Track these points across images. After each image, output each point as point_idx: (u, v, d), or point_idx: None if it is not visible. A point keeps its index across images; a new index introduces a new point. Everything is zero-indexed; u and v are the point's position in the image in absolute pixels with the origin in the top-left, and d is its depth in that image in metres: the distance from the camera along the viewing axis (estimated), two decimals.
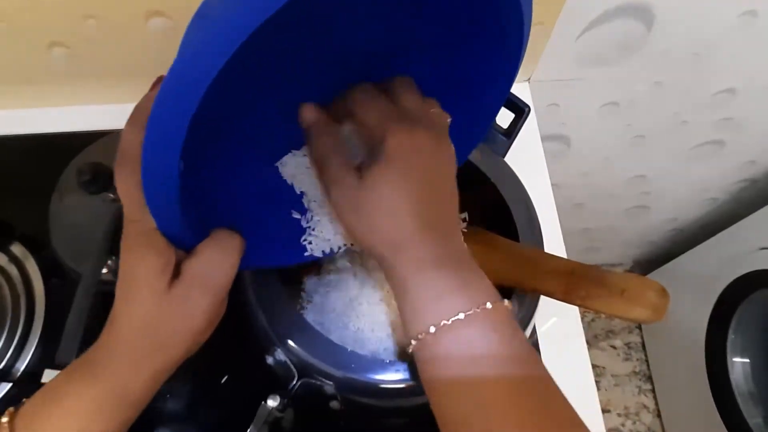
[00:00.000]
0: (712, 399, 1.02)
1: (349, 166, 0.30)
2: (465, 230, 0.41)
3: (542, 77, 0.63)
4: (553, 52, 0.59)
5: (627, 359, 1.35)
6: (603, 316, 1.40)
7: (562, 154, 0.81)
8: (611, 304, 0.29)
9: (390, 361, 0.32)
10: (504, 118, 0.43)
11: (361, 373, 0.32)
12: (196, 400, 0.49)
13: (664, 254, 1.27)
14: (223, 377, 0.49)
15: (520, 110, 0.41)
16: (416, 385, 0.33)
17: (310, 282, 0.42)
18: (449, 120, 0.33)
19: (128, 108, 0.60)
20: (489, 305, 0.27)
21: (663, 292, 0.28)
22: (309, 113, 0.33)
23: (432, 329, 0.26)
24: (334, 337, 0.35)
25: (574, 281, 0.31)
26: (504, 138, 0.42)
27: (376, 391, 0.32)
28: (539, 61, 0.60)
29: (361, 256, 0.40)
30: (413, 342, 0.27)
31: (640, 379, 1.33)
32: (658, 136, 0.80)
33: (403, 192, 0.28)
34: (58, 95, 0.59)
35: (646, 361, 1.34)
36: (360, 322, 0.38)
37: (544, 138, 0.63)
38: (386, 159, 0.28)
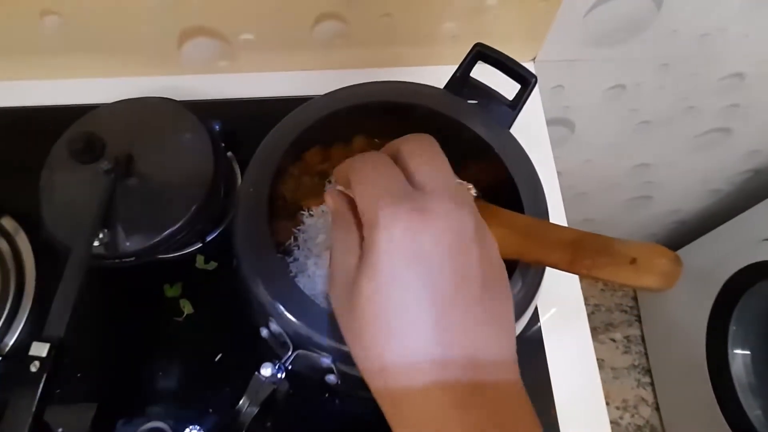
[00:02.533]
0: (711, 391, 1.01)
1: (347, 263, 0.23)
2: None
3: (548, 57, 0.62)
4: (559, 30, 0.58)
5: (626, 352, 1.34)
6: (603, 308, 1.39)
7: (565, 139, 0.80)
8: (620, 273, 0.27)
9: None
10: (509, 88, 0.42)
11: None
12: (190, 379, 0.47)
13: (667, 246, 1.26)
14: (217, 356, 0.48)
15: (526, 81, 0.40)
16: None
17: (301, 252, 0.41)
18: (472, 192, 0.28)
19: (122, 82, 0.60)
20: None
21: (676, 259, 0.27)
22: (330, 199, 0.27)
23: None
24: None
25: (579, 250, 0.30)
26: (509, 109, 0.41)
27: None
28: (546, 40, 0.59)
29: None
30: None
31: (639, 372, 1.32)
32: (664, 122, 0.78)
33: (396, 313, 0.21)
34: (49, 67, 0.58)
35: (645, 354, 1.33)
36: None
37: (548, 122, 0.61)
38: (371, 264, 0.21)
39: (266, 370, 0.31)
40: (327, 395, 0.41)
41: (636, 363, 1.33)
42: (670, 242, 1.25)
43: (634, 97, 0.72)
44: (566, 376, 0.49)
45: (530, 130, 0.58)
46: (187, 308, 0.49)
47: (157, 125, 0.51)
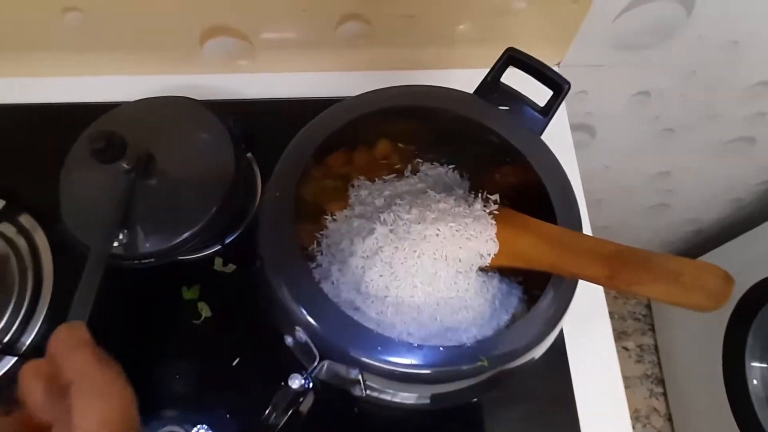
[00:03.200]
0: (727, 403, 0.99)
1: None
2: (496, 212, 0.39)
3: (574, 62, 0.61)
4: (586, 34, 0.57)
5: (639, 361, 1.32)
6: (616, 316, 1.37)
7: (585, 145, 0.79)
8: (665, 290, 0.26)
9: (418, 345, 0.30)
10: (540, 94, 0.41)
11: (388, 356, 0.29)
12: (207, 383, 0.47)
13: (683, 255, 1.24)
14: (235, 360, 0.47)
15: (559, 87, 0.39)
16: (446, 372, 0.31)
17: (324, 258, 0.40)
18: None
19: (142, 80, 0.59)
20: None
21: (727, 278, 0.26)
22: None
23: None
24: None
25: (618, 265, 0.29)
26: (540, 116, 0.40)
27: (403, 376, 0.30)
28: (573, 44, 0.58)
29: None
30: None
31: (651, 382, 1.30)
32: (687, 130, 0.77)
33: None
34: (71, 64, 0.58)
35: (659, 363, 1.31)
36: (383, 303, 0.36)
37: (570, 126, 0.60)
38: None
39: (294, 382, 0.30)
40: (352, 406, 0.40)
41: (649, 373, 1.31)
42: (687, 251, 1.23)
43: (658, 104, 0.71)
44: (587, 387, 0.48)
45: (554, 136, 0.57)
46: (204, 311, 0.49)
47: (178, 124, 0.50)
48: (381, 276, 0.37)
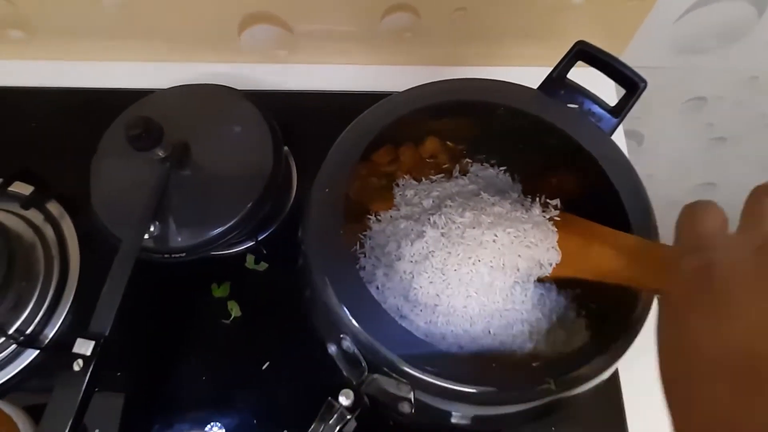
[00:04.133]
0: None
1: None
2: (557, 218, 0.36)
3: (629, 63, 0.57)
4: (645, 34, 0.54)
5: None
6: None
7: (631, 152, 0.75)
8: None
9: (482, 363, 0.27)
10: (611, 93, 0.38)
11: (446, 375, 0.27)
12: (235, 386, 0.44)
13: None
14: (265, 364, 0.45)
15: (634, 86, 0.36)
16: (503, 393, 0.28)
17: (368, 261, 0.38)
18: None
19: (178, 67, 0.57)
20: None
21: None
22: None
23: None
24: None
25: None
26: (610, 116, 0.37)
27: (463, 396, 0.27)
28: (630, 44, 0.55)
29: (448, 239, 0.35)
30: None
31: None
32: (740, 140, 0.73)
33: None
34: (107, 49, 0.56)
35: None
36: (433, 313, 0.33)
37: None
38: None
39: (345, 399, 0.27)
40: (398, 423, 0.37)
41: None
42: None
43: (712, 111, 0.67)
44: (642, 412, 0.44)
45: None
46: (234, 311, 0.46)
47: (215, 114, 0.48)
48: (431, 283, 0.34)
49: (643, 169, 0.80)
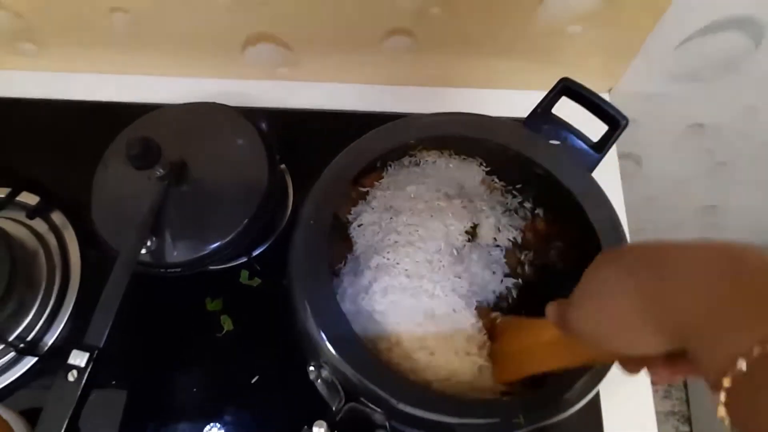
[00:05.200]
0: None
1: None
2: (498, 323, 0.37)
3: (626, 89, 0.58)
4: (644, 62, 0.54)
5: (666, 397, 1.27)
6: None
7: (631, 174, 0.75)
8: None
9: (452, 395, 0.28)
10: (595, 130, 0.39)
11: (419, 405, 0.28)
12: (224, 398, 0.46)
13: None
14: (254, 377, 0.46)
15: (616, 123, 0.36)
16: (481, 424, 0.29)
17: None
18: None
19: (183, 82, 0.59)
20: None
21: None
22: None
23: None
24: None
25: None
26: (592, 151, 0.37)
27: (435, 426, 0.28)
28: (627, 71, 0.55)
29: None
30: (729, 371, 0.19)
31: (678, 420, 1.25)
32: (740, 166, 0.73)
33: None
34: (114, 62, 0.57)
35: (687, 401, 1.26)
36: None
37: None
38: None
39: (319, 429, 0.28)
40: None
41: (676, 410, 1.26)
42: None
43: (712, 137, 0.67)
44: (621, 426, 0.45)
45: (601, 165, 0.54)
46: (227, 324, 0.48)
47: (214, 132, 0.49)
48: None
49: (643, 191, 0.81)
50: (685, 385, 1.28)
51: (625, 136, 0.66)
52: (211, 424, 0.45)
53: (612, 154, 0.57)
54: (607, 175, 0.56)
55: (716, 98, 0.60)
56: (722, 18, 0.49)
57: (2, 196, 0.50)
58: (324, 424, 0.29)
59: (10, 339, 0.45)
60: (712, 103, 0.61)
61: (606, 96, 0.59)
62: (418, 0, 0.47)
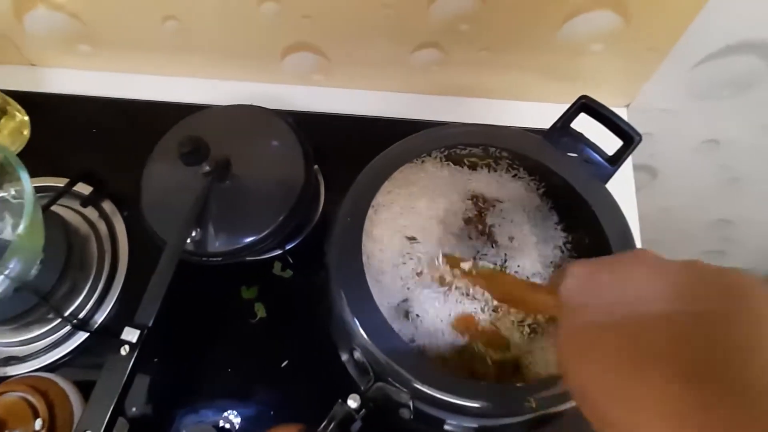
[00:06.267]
0: None
1: None
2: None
3: (644, 105, 0.60)
4: (661, 80, 0.57)
5: None
6: None
7: (645, 185, 0.78)
8: None
9: (467, 380, 0.32)
10: (610, 144, 0.42)
11: (438, 387, 0.31)
12: (255, 380, 0.49)
13: None
14: (284, 362, 0.50)
15: (630, 139, 0.39)
16: (493, 408, 0.32)
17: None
18: None
19: (226, 85, 0.63)
20: None
21: None
22: None
23: None
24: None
25: None
26: (607, 165, 0.40)
27: (452, 407, 0.31)
28: (645, 87, 0.58)
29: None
30: None
31: None
32: (755, 181, 0.75)
33: None
34: (163, 65, 0.62)
35: None
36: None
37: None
38: None
39: (353, 402, 0.32)
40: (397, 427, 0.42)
41: None
42: None
43: (727, 153, 0.69)
44: None
45: (616, 175, 0.57)
46: (260, 312, 0.51)
47: (254, 132, 0.53)
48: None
49: (658, 202, 0.83)
50: None
51: (641, 149, 0.69)
52: (243, 403, 0.49)
53: (627, 166, 0.59)
54: (622, 186, 0.59)
55: (731, 116, 0.62)
56: (737, 42, 0.51)
57: (61, 185, 0.54)
58: (358, 397, 0.32)
59: (66, 315, 0.49)
60: (727, 120, 0.63)
61: (624, 111, 0.62)
62: (448, 17, 0.51)
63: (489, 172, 0.44)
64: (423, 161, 0.44)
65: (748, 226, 0.88)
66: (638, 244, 0.55)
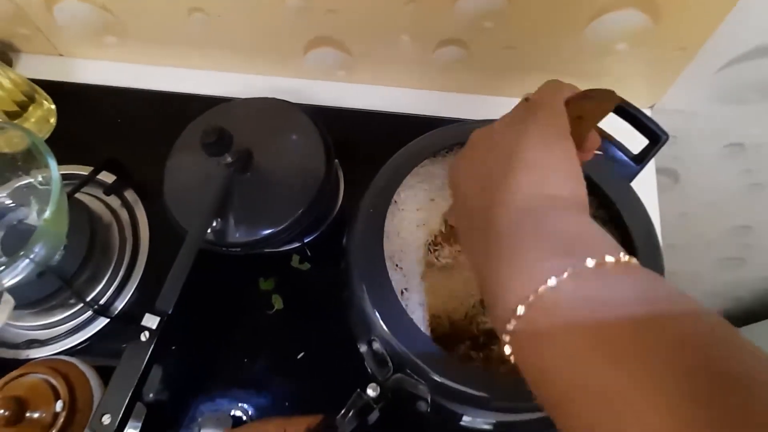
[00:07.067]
0: None
1: None
2: None
3: (669, 106, 0.60)
4: (686, 82, 0.56)
5: None
6: None
7: (667, 188, 0.77)
8: None
9: (488, 373, 0.31)
10: (636, 142, 0.41)
11: (459, 380, 0.31)
12: (271, 371, 0.50)
13: (750, 313, 1.18)
14: (300, 354, 0.50)
15: (656, 138, 0.39)
16: (510, 404, 0.32)
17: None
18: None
19: (249, 78, 0.63)
20: (610, 258, 0.22)
21: None
22: None
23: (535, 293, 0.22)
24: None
25: None
26: (632, 163, 0.40)
27: (468, 398, 0.31)
28: (671, 89, 0.57)
29: None
30: (511, 317, 0.22)
31: None
32: None
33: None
34: (187, 57, 0.63)
35: None
36: None
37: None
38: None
39: (372, 391, 0.32)
40: (415, 421, 0.41)
41: None
42: (757, 310, 1.16)
43: (751, 158, 0.68)
44: None
45: (639, 177, 0.57)
46: (277, 303, 0.52)
47: (276, 125, 0.53)
48: None
49: (677, 207, 0.82)
50: None
51: (664, 151, 0.68)
52: (258, 393, 0.49)
53: (650, 168, 0.59)
54: (644, 187, 0.58)
55: (757, 121, 0.61)
56: (762, 44, 0.51)
57: (85, 173, 0.55)
58: (377, 386, 0.32)
59: (87, 300, 0.50)
60: (752, 124, 0.62)
61: (648, 112, 0.61)
62: (473, 14, 0.50)
63: None
64: (444, 156, 0.44)
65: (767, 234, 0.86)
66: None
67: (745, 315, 1.22)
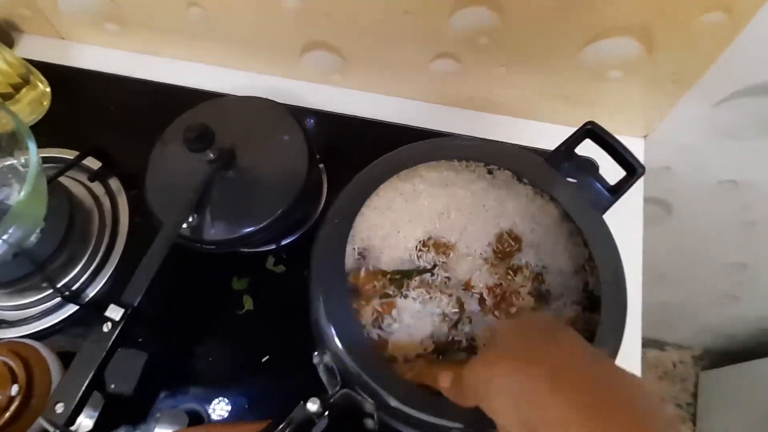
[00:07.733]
0: None
1: None
2: None
3: (662, 137, 0.59)
4: (681, 113, 0.55)
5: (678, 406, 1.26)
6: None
7: (659, 220, 0.76)
8: None
9: (438, 396, 0.31)
10: (613, 173, 0.41)
11: (408, 403, 0.30)
12: (235, 371, 0.49)
13: (742, 351, 1.16)
14: (265, 357, 0.50)
15: (633, 170, 0.38)
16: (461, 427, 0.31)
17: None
18: None
19: (243, 75, 0.63)
20: None
21: None
22: None
23: None
24: None
25: None
26: (608, 194, 0.39)
27: (416, 422, 0.31)
28: (666, 119, 0.56)
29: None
30: None
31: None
32: None
33: None
34: (184, 50, 0.63)
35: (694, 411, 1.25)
36: None
37: (646, 199, 0.58)
38: None
39: (312, 405, 0.32)
40: None
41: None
42: (749, 348, 1.14)
43: (745, 195, 0.67)
44: None
45: (625, 206, 0.56)
46: (248, 304, 0.52)
47: (263, 126, 0.53)
48: None
49: (671, 239, 0.81)
50: (695, 396, 1.26)
51: (657, 183, 0.68)
52: (219, 393, 0.49)
53: (637, 198, 0.58)
54: (630, 218, 0.58)
55: (752, 158, 0.60)
56: (762, 82, 0.50)
57: (70, 158, 0.55)
58: (317, 400, 0.32)
59: (58, 286, 0.50)
60: (747, 161, 0.61)
61: (641, 141, 0.60)
62: (468, 29, 0.50)
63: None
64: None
65: (763, 271, 0.85)
66: (639, 279, 0.54)
67: (733, 353, 1.20)
